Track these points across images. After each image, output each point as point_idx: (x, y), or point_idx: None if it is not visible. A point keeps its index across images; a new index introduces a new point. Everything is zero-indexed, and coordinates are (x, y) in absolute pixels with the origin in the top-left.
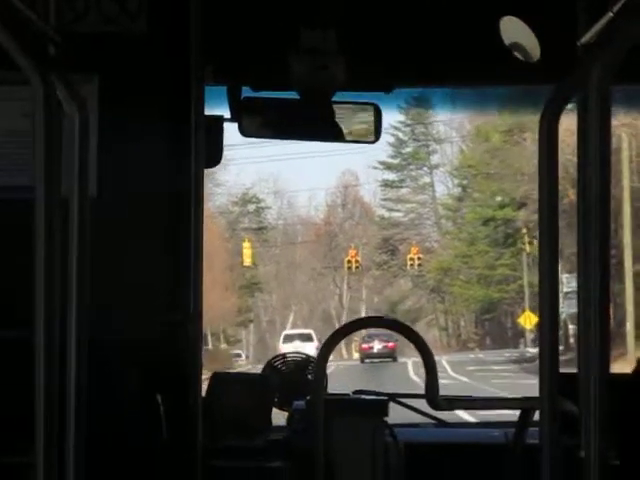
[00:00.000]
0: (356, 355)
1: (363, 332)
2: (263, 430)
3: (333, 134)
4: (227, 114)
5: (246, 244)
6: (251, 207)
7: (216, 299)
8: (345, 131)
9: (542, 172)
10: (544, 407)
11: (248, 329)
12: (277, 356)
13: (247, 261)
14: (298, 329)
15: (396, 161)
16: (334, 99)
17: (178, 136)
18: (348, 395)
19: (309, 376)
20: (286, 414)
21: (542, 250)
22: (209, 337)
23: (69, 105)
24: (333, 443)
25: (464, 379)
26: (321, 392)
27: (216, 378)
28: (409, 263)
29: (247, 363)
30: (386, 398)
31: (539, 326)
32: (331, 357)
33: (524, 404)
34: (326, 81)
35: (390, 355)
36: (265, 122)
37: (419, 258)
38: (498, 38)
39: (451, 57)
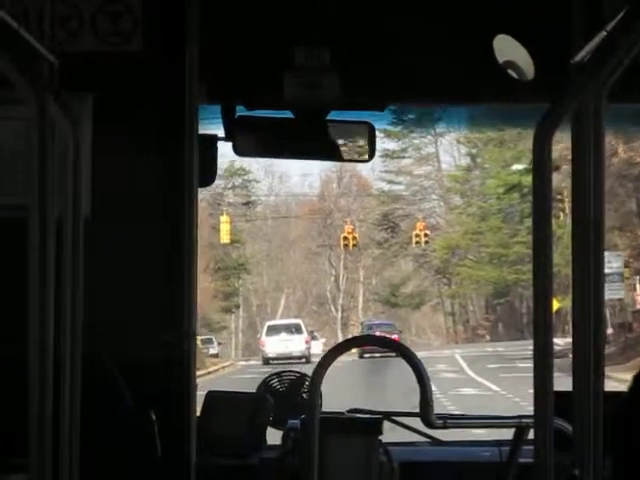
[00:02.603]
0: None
1: (361, 323)
2: (257, 449)
3: (327, 153)
4: (221, 133)
5: (224, 218)
6: (237, 180)
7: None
8: (339, 149)
9: (536, 188)
10: (538, 425)
11: (237, 314)
12: (272, 375)
13: (225, 238)
14: (284, 319)
15: (397, 129)
16: (328, 118)
17: (172, 155)
18: (343, 413)
19: (304, 395)
20: (281, 433)
21: (536, 269)
22: None
23: (63, 124)
24: (327, 462)
25: (492, 386)
26: (316, 411)
27: (211, 397)
28: (414, 240)
29: (223, 361)
30: (380, 417)
31: (534, 345)
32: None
33: (519, 422)
34: (319, 100)
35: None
36: (259, 141)
37: (426, 235)
38: (492, 57)
39: (445, 75)
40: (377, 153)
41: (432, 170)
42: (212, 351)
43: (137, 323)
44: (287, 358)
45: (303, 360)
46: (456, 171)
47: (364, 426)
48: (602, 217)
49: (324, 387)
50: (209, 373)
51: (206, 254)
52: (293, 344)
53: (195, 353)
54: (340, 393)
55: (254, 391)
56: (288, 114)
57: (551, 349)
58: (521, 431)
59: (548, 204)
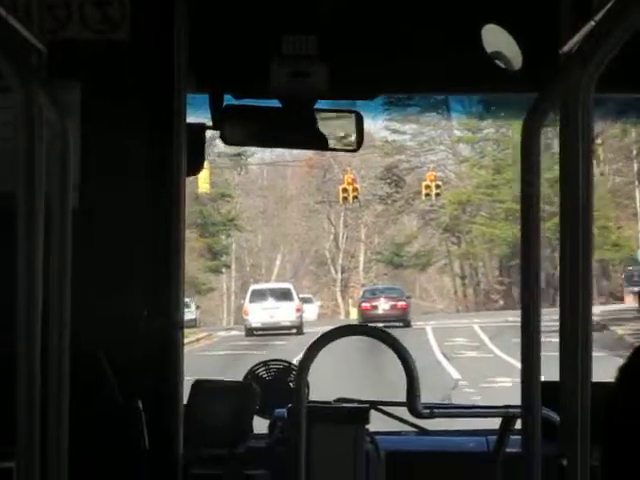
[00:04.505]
0: (355, 314)
1: (363, 287)
2: (244, 438)
3: (315, 142)
4: (209, 122)
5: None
6: None
7: None
8: (328, 138)
9: (524, 175)
10: (526, 415)
11: (229, 275)
12: (259, 364)
13: (203, 187)
14: (271, 283)
15: None
16: (316, 107)
17: (160, 144)
18: (330, 403)
19: (291, 384)
20: (267, 422)
21: (524, 256)
22: None
23: (51, 113)
24: (314, 451)
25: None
26: (303, 400)
27: (197, 385)
28: (424, 192)
29: (198, 331)
30: (367, 406)
31: (521, 336)
32: (325, 320)
33: (506, 412)
34: (307, 89)
35: (401, 318)
36: (247, 130)
37: (437, 186)
38: (480, 47)
39: (433, 65)
40: (380, 100)
41: (440, 118)
42: (188, 316)
43: (124, 312)
44: (274, 328)
45: (293, 331)
46: (467, 119)
47: (351, 415)
48: (591, 205)
49: (324, 365)
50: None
51: (188, 208)
52: (281, 312)
53: (183, 342)
54: (340, 371)
55: (224, 377)
56: (276, 103)
57: (538, 338)
58: (508, 421)
59: (536, 194)
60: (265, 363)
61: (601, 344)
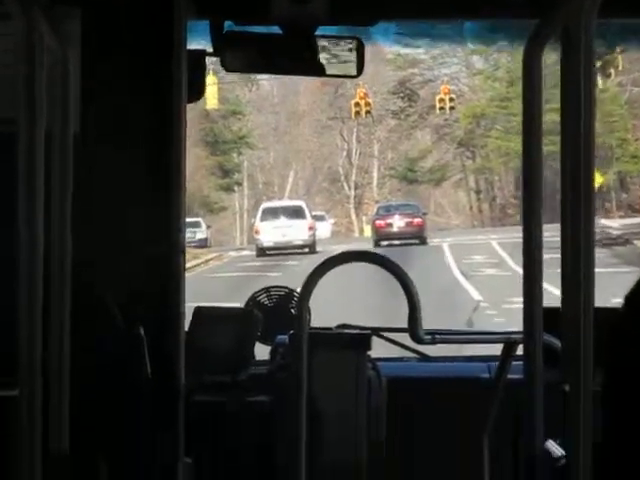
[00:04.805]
0: (369, 232)
1: (377, 204)
2: (246, 365)
3: (316, 69)
4: (210, 48)
5: (211, 78)
6: None
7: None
8: (328, 65)
9: (526, 106)
10: (528, 341)
11: (242, 193)
12: (260, 290)
13: (211, 102)
14: (283, 201)
15: None
16: (316, 33)
17: (160, 70)
18: (331, 329)
19: (292, 310)
20: (269, 348)
21: (526, 184)
22: None
23: (52, 40)
24: (316, 377)
25: (550, 288)
26: (304, 326)
27: (199, 312)
28: (438, 106)
29: (207, 252)
30: (369, 332)
31: (523, 257)
32: (339, 238)
33: (507, 338)
34: (308, 15)
35: (416, 235)
36: (247, 57)
37: (451, 99)
38: None
39: None
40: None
41: (454, 29)
42: (199, 236)
43: (125, 239)
44: (286, 247)
45: (306, 250)
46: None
47: (353, 341)
48: (592, 132)
49: (337, 286)
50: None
51: (195, 125)
52: (293, 231)
53: (184, 268)
54: (353, 292)
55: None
56: (277, 30)
57: (540, 265)
58: (510, 347)
59: (538, 120)
60: (266, 289)
61: (626, 259)
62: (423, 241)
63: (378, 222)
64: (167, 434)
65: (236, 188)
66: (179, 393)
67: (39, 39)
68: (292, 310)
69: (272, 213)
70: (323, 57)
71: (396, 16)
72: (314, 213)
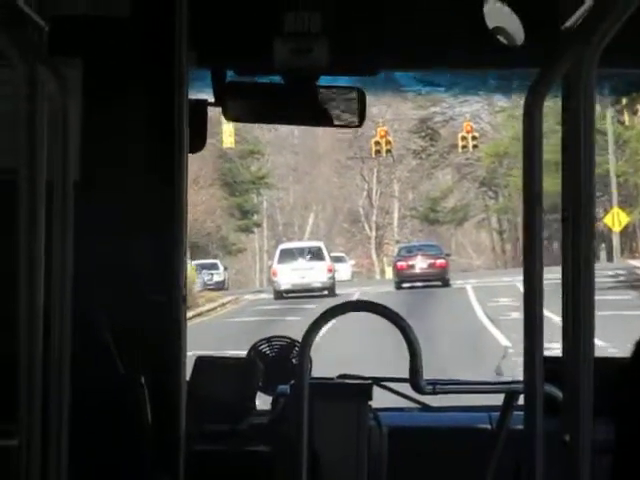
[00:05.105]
0: (390, 273)
1: (398, 244)
2: (247, 414)
3: (317, 118)
4: (211, 98)
5: None
6: None
7: (201, 198)
8: (329, 115)
9: (526, 155)
10: (528, 391)
11: (261, 234)
12: (261, 340)
13: (228, 141)
14: (301, 242)
15: None
16: (318, 83)
17: (162, 120)
18: (332, 379)
19: (294, 360)
20: (270, 398)
21: (527, 232)
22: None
23: (53, 89)
24: (317, 427)
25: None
26: (305, 376)
27: (200, 361)
28: (460, 144)
29: (223, 295)
30: (370, 382)
31: (524, 306)
32: (359, 280)
33: (508, 388)
34: (310, 65)
35: (439, 277)
36: (249, 106)
37: (474, 137)
38: (482, 22)
39: (435, 41)
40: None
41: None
42: (216, 278)
43: (127, 286)
44: (305, 290)
45: (325, 293)
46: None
47: (354, 391)
48: (593, 180)
49: (357, 331)
50: (199, 315)
51: (212, 166)
52: (312, 273)
53: (185, 316)
54: (372, 340)
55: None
56: (278, 80)
57: (541, 314)
58: (511, 397)
59: (539, 172)
60: (268, 339)
61: None
62: (446, 283)
63: (400, 263)
64: None
65: (255, 229)
66: (180, 441)
67: (40, 88)
68: (293, 360)
69: (290, 254)
70: (325, 106)
71: (397, 66)
72: (334, 254)
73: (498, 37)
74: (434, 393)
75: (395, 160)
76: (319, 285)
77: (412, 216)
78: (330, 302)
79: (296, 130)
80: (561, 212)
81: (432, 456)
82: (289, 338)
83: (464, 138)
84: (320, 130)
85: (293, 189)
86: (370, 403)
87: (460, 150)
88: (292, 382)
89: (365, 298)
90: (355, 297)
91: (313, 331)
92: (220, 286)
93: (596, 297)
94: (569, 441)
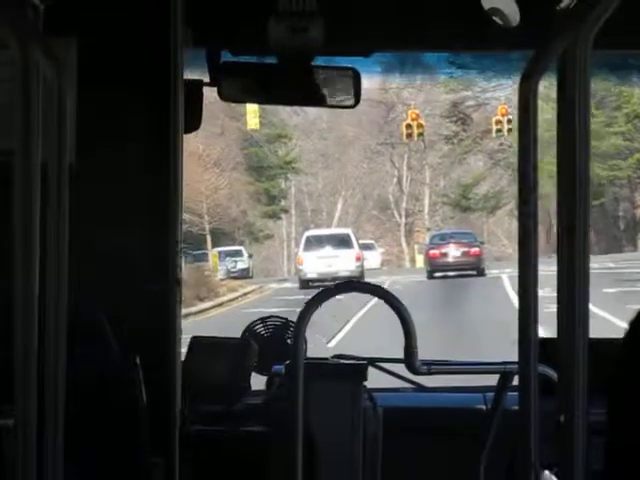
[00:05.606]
0: (421, 262)
1: (429, 231)
2: (242, 395)
3: (312, 98)
4: (206, 78)
5: None
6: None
7: (223, 182)
8: (324, 95)
9: (522, 136)
10: (523, 372)
11: (289, 220)
12: (256, 321)
13: (252, 122)
14: (329, 229)
15: None
16: (313, 63)
17: (157, 100)
18: (327, 359)
19: (288, 340)
20: (265, 378)
21: (521, 216)
22: (208, 240)
23: (48, 69)
24: (312, 407)
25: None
26: (300, 357)
27: (195, 342)
28: (495, 128)
29: (246, 284)
30: (365, 363)
31: (518, 289)
32: (389, 268)
33: (503, 369)
34: (305, 44)
35: (474, 266)
36: (244, 86)
37: (509, 121)
38: (478, 3)
39: (430, 21)
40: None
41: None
42: (240, 265)
43: (122, 271)
44: (331, 279)
45: None
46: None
47: (349, 372)
48: (587, 163)
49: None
50: (219, 305)
51: (237, 149)
52: (340, 261)
53: (180, 299)
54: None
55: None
56: (273, 60)
57: (536, 293)
58: (505, 377)
59: (534, 154)
60: (263, 320)
61: None
62: (481, 272)
63: (432, 252)
64: (162, 462)
65: (283, 216)
66: (175, 422)
67: (35, 68)
68: (288, 340)
69: (316, 242)
70: (320, 86)
71: (392, 47)
72: (362, 242)
73: (494, 18)
74: (429, 373)
75: (426, 146)
76: (347, 274)
77: (443, 203)
78: (359, 294)
79: (325, 114)
80: (556, 201)
81: (427, 436)
82: (284, 318)
83: (499, 122)
84: (349, 114)
85: (322, 175)
86: (365, 383)
87: (494, 135)
88: (287, 362)
89: (396, 287)
90: (385, 287)
91: (308, 311)
92: (245, 274)
93: (628, 288)
94: (564, 422)
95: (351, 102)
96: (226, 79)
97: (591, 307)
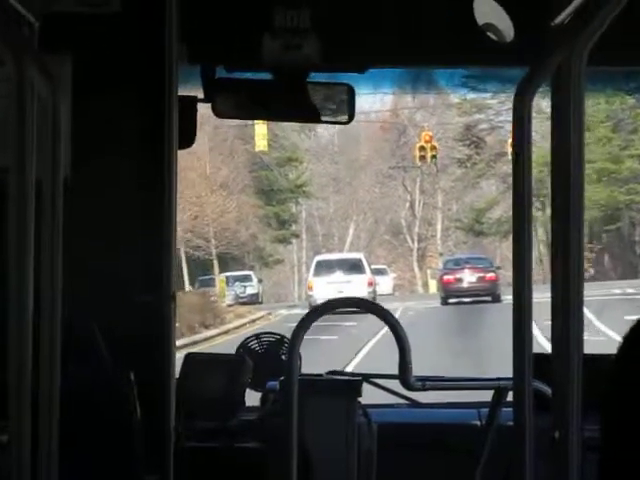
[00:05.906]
0: (433, 287)
1: (442, 256)
2: (237, 411)
3: (306, 114)
4: (201, 94)
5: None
6: None
7: (231, 204)
8: (318, 111)
9: (516, 154)
10: (517, 387)
11: (300, 245)
12: (251, 337)
13: (260, 144)
14: (340, 253)
15: None
16: (308, 80)
17: (152, 117)
18: (321, 375)
19: (283, 356)
20: (260, 394)
21: (516, 232)
22: (215, 265)
23: (42, 86)
24: (306, 424)
25: None
26: (294, 373)
27: (190, 358)
28: (511, 151)
29: (254, 311)
30: (360, 379)
31: (513, 303)
32: (401, 293)
33: (497, 385)
34: (299, 61)
35: (489, 292)
36: (239, 102)
37: None
38: (472, 18)
39: (424, 37)
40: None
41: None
42: (250, 290)
43: (116, 285)
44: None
45: None
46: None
47: (343, 388)
48: (582, 179)
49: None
50: (225, 333)
51: (246, 172)
52: (351, 286)
53: (175, 314)
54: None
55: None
56: (268, 76)
57: (530, 308)
58: (500, 393)
59: (528, 172)
60: (257, 336)
61: None
62: (497, 299)
63: (446, 277)
64: (157, 479)
65: (293, 240)
66: (169, 438)
67: (29, 85)
68: (283, 356)
69: (327, 267)
70: (315, 103)
71: (387, 63)
72: (374, 267)
73: (488, 34)
74: (423, 389)
75: (439, 169)
76: None
77: (456, 227)
78: (372, 319)
79: (336, 138)
80: (550, 202)
81: (422, 452)
82: (278, 334)
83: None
84: (361, 138)
85: (333, 199)
86: (359, 399)
87: (510, 157)
88: (281, 378)
89: (410, 313)
90: (398, 314)
91: (302, 327)
92: (254, 299)
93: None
94: (558, 438)
95: (345, 118)
96: (221, 95)
97: (612, 334)
